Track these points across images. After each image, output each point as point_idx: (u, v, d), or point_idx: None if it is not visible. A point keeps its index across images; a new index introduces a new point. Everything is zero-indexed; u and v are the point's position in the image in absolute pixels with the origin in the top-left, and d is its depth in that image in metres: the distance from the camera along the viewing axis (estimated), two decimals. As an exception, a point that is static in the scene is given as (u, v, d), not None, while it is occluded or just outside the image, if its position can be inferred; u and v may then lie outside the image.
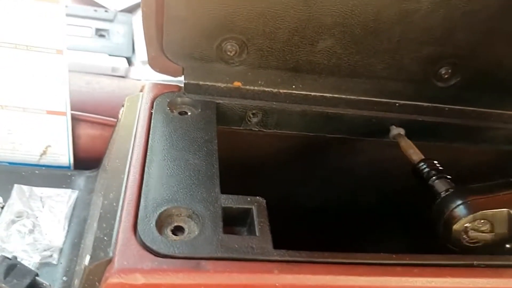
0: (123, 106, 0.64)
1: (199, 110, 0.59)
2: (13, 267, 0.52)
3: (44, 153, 0.75)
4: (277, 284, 0.39)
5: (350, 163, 0.70)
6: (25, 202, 0.63)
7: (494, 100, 0.67)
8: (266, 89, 0.63)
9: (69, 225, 0.62)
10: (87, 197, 0.68)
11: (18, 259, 0.54)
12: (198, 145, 0.52)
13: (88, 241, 0.48)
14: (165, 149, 0.51)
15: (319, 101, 0.64)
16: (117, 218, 0.43)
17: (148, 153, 0.50)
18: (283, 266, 0.40)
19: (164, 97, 0.60)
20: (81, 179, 0.71)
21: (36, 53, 0.68)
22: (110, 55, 1.06)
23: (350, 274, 0.41)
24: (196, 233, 0.42)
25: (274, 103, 0.63)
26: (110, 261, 0.39)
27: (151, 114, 0.57)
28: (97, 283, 0.39)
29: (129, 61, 1.09)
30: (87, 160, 0.76)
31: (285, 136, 0.65)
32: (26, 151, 0.74)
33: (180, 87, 0.62)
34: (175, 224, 0.43)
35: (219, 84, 0.62)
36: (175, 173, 0.48)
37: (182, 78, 0.62)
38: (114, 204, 0.45)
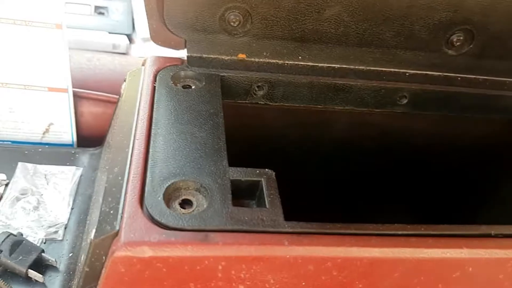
0: (125, 81, 0.63)
1: (203, 83, 0.57)
2: (18, 243, 0.52)
3: (47, 131, 0.73)
4: (287, 256, 0.38)
5: (358, 135, 0.68)
6: (29, 180, 0.63)
7: (508, 68, 0.65)
8: (272, 61, 0.62)
9: (74, 202, 0.61)
10: (91, 175, 0.67)
11: (23, 236, 0.54)
12: (203, 118, 0.51)
13: (94, 216, 0.47)
14: (170, 123, 0.50)
15: (327, 72, 0.62)
16: (123, 192, 0.42)
17: (152, 127, 0.49)
18: (294, 237, 0.39)
19: (167, 71, 0.58)
20: (84, 156, 0.70)
21: (35, 28, 0.66)
22: (110, 32, 1.05)
23: (363, 246, 0.40)
24: (205, 206, 0.41)
25: (280, 75, 0.61)
26: (116, 234, 0.38)
27: (154, 88, 0.55)
28: (103, 257, 0.38)
29: (130, 38, 1.07)
30: (90, 138, 0.76)
31: (292, 109, 0.64)
32: (29, 129, 0.73)
33: (183, 60, 0.60)
34: (183, 197, 0.42)
35: (223, 57, 0.60)
36: (181, 147, 0.46)
37: (184, 51, 0.60)
38: (120, 178, 0.44)
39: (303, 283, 0.39)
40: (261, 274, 0.38)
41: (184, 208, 0.41)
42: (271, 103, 0.63)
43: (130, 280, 0.38)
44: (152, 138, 0.47)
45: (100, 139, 0.72)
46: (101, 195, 0.46)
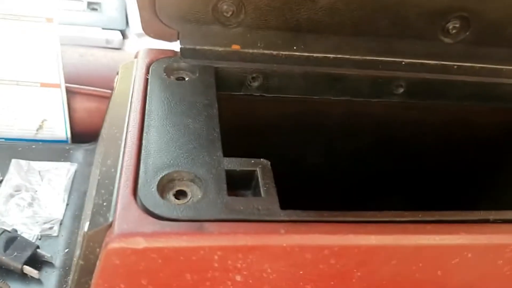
0: (117, 74, 0.62)
1: (197, 75, 0.56)
2: (13, 239, 0.52)
3: (41, 127, 0.73)
4: (284, 245, 0.37)
5: (355, 125, 0.68)
6: (23, 176, 0.62)
7: (506, 56, 0.64)
8: (266, 52, 0.61)
9: (68, 198, 0.61)
10: (86, 171, 0.66)
11: (18, 232, 0.53)
12: (197, 110, 0.50)
13: (87, 209, 0.47)
14: (163, 115, 0.49)
15: (322, 62, 0.62)
16: (116, 184, 0.41)
17: (145, 119, 0.48)
18: (290, 226, 0.38)
19: (160, 63, 0.57)
20: (79, 152, 0.70)
21: (26, 22, 0.65)
22: (103, 28, 1.03)
23: (360, 233, 0.39)
24: (199, 196, 0.40)
25: (275, 65, 0.61)
26: (110, 226, 0.37)
27: (147, 80, 0.55)
28: (97, 249, 0.38)
29: (123, 34, 1.06)
30: (84, 134, 0.75)
31: (287, 100, 0.63)
32: (22, 126, 0.73)
33: (176, 52, 0.60)
34: (177, 188, 0.42)
35: (216, 48, 0.60)
36: (175, 138, 0.46)
37: (178, 43, 0.60)
38: (113, 170, 0.44)
39: (301, 272, 0.39)
40: (257, 263, 0.38)
41: (179, 199, 0.41)
42: (266, 95, 0.62)
43: (124, 272, 0.37)
44: (145, 130, 0.47)
45: (94, 134, 0.72)
46: (94, 188, 0.46)
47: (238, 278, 0.38)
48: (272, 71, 0.61)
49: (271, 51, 0.61)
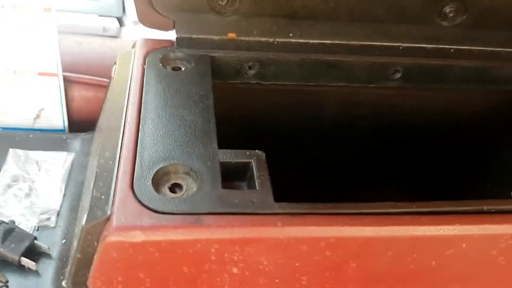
0: (115, 64, 0.62)
1: (193, 64, 0.56)
2: (11, 231, 0.52)
3: (38, 116, 0.73)
4: (280, 237, 0.38)
5: (352, 111, 0.68)
6: (20, 166, 0.62)
7: (503, 39, 0.63)
8: (262, 39, 0.61)
9: (66, 188, 0.61)
10: (83, 160, 0.66)
11: (16, 223, 0.53)
12: (193, 101, 0.50)
13: (85, 201, 0.47)
14: (159, 106, 0.49)
15: (318, 48, 0.61)
16: (114, 177, 0.41)
17: (142, 111, 0.48)
18: (286, 218, 0.39)
19: (156, 53, 0.57)
20: (76, 141, 0.70)
21: (23, 11, 0.65)
22: (100, 15, 1.03)
23: (355, 225, 0.39)
24: (195, 189, 0.41)
25: (271, 53, 0.60)
26: (108, 219, 0.38)
27: (144, 70, 0.55)
28: (95, 242, 0.38)
29: (120, 21, 1.05)
30: (81, 123, 0.75)
31: (284, 87, 0.63)
32: (20, 115, 0.73)
33: (173, 42, 0.59)
34: (173, 181, 0.42)
35: (212, 37, 0.59)
36: (171, 130, 0.46)
37: (174, 32, 0.59)
38: (110, 162, 0.44)
39: (297, 264, 0.39)
40: (254, 255, 0.38)
41: (175, 192, 0.41)
42: (263, 82, 0.62)
43: (122, 265, 0.38)
44: (141, 122, 0.47)
45: (91, 123, 0.72)
46: (92, 180, 0.46)
47: (235, 270, 0.38)
48: (268, 59, 0.60)
49: (267, 39, 0.61)
